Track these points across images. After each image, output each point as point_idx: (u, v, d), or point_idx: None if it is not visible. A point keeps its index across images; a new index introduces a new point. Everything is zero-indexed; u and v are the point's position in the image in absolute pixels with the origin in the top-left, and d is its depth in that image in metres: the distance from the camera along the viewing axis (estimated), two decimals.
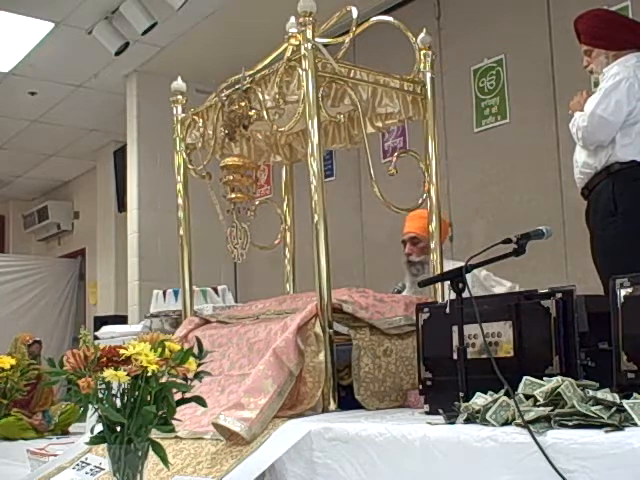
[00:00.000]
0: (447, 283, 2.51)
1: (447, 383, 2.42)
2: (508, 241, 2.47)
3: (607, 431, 1.79)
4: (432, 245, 3.41)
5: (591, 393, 1.97)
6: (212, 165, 3.68)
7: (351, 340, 2.95)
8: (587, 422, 1.86)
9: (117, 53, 6.70)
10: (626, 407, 1.88)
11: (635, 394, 1.95)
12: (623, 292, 2.09)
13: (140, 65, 7.38)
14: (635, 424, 1.83)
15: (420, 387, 2.63)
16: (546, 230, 2.52)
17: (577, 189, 3.68)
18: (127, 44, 6.64)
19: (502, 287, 4.15)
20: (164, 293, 4.81)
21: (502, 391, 2.09)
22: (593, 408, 1.88)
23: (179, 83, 3.90)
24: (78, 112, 8.34)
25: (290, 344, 2.80)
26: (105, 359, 2.12)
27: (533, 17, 5.41)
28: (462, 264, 2.44)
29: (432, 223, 3.43)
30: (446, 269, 3.28)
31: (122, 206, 8.62)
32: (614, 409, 1.89)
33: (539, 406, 1.98)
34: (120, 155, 8.70)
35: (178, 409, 2.19)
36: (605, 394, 1.95)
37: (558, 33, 5.13)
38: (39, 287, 10.59)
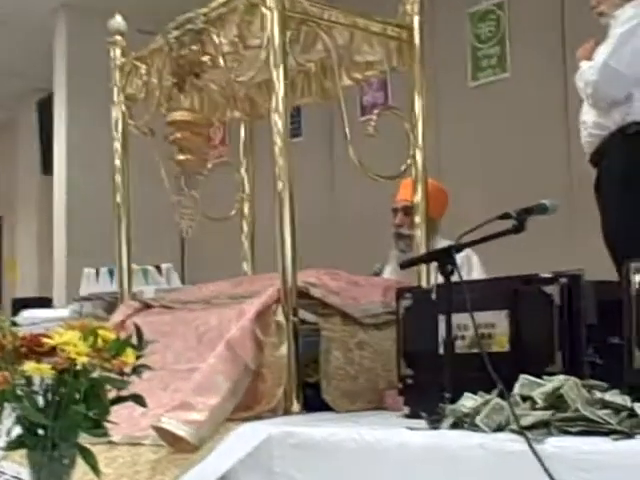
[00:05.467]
0: (434, 265, 2.52)
1: (431, 382, 2.43)
2: (506, 216, 2.47)
3: (616, 439, 1.82)
4: (417, 219, 3.42)
5: (598, 395, 2.00)
6: (157, 120, 3.66)
7: (319, 330, 2.96)
8: (593, 428, 1.89)
9: None
10: (638, 412, 1.91)
11: None
12: (638, 278, 2.12)
13: None
14: None
15: (399, 386, 2.66)
16: (551, 204, 2.54)
17: (586, 155, 3.70)
18: None
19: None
20: (97, 272, 4.80)
21: (495, 391, 2.12)
22: (600, 412, 1.91)
23: (118, 21, 3.86)
24: None
25: (247, 334, 2.80)
26: (26, 349, 2.11)
27: None
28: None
29: (417, 194, 3.44)
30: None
31: (47, 167, 8.53)
32: (624, 414, 1.92)
33: (538, 409, 2.01)
34: (45, 106, 8.61)
35: (113, 409, 2.19)
36: (614, 396, 1.98)
37: None
38: None
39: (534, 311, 2.34)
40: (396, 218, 4.37)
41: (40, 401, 2.10)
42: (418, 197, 3.44)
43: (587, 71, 3.50)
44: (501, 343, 2.38)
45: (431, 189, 3.53)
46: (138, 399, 2.23)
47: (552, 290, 2.30)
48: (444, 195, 4.40)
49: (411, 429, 2.19)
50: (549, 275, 2.34)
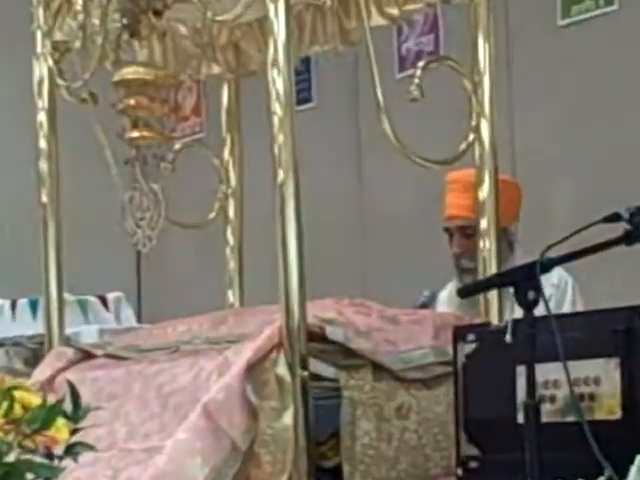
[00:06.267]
0: (509, 291, 2.53)
1: (506, 464, 2.44)
2: (615, 218, 2.47)
3: None
4: (483, 224, 3.41)
5: None
6: (100, 80, 3.67)
7: (340, 390, 2.97)
8: None
9: None
10: None
11: None
12: None
13: None
14: None
15: (459, 472, 2.66)
16: None
17: None
18: None
19: None
20: (13, 305, 4.81)
21: (602, 478, 2.11)
22: None
23: None
24: None
25: (233, 397, 2.82)
26: None
27: None
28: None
29: (483, 185, 3.43)
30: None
31: None
32: None
33: None
34: None
35: None
36: None
37: None
38: None
39: None
40: (452, 244, 4.19)
41: None
42: (484, 192, 3.43)
43: None
44: (609, 407, 2.38)
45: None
46: None
47: None
48: (517, 192, 4.28)
49: None
50: None
